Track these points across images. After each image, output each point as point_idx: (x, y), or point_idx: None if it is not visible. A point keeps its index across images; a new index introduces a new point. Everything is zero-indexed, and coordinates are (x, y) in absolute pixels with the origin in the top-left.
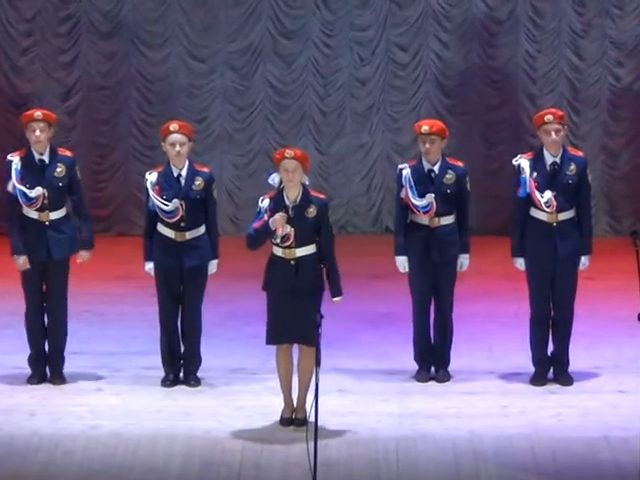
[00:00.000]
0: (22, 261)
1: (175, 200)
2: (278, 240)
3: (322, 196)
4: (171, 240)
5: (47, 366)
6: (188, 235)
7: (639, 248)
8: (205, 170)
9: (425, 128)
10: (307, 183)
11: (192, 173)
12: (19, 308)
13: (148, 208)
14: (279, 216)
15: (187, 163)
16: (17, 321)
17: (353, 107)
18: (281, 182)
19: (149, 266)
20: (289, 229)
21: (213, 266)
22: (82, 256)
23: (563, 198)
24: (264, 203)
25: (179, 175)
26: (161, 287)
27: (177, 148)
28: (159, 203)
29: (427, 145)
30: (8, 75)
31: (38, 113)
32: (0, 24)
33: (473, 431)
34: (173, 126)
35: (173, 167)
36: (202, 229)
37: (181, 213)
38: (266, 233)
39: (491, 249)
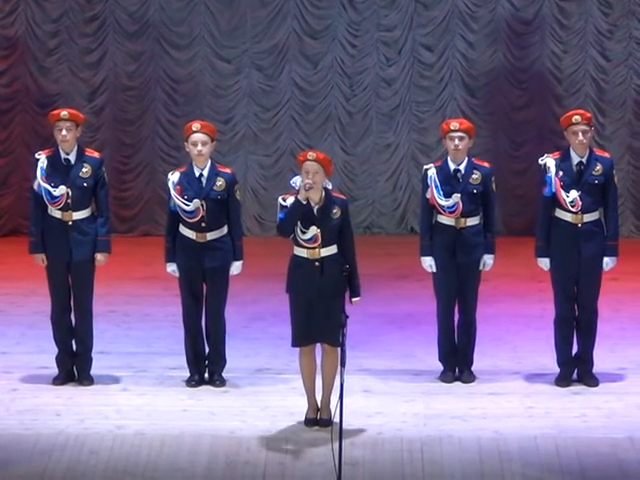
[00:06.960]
0: (40, 260)
1: (196, 200)
2: (305, 237)
3: (342, 196)
4: (192, 241)
5: (74, 366)
6: (209, 236)
7: None
8: (227, 171)
9: (455, 125)
10: (329, 187)
11: (214, 173)
12: (44, 308)
13: (170, 208)
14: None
15: (209, 163)
16: (42, 321)
17: (379, 107)
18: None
19: (172, 267)
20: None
21: (236, 267)
22: (98, 260)
23: (589, 199)
24: (288, 202)
25: (200, 175)
26: (184, 288)
27: (199, 147)
28: (180, 203)
29: (456, 142)
30: (34, 75)
31: (65, 112)
32: (26, 24)
33: (498, 431)
34: (195, 126)
35: (195, 167)
36: (224, 230)
37: (202, 213)
38: (297, 208)
39: (517, 249)
